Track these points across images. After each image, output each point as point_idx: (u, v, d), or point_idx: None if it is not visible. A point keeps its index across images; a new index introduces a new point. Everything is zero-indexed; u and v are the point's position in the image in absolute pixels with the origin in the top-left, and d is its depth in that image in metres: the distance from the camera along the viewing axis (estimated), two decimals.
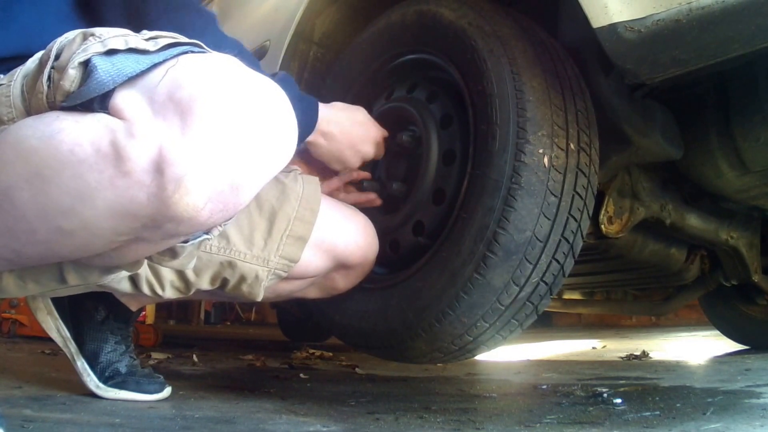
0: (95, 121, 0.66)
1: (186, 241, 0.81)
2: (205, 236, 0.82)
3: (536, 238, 0.99)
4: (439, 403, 1.24)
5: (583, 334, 4.42)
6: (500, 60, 1.05)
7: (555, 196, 1.00)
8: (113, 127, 0.65)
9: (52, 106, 0.70)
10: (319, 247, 1.11)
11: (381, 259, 1.20)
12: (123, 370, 1.20)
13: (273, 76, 0.94)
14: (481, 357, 1.99)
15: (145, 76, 0.68)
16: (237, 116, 0.67)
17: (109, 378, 1.18)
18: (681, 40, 0.86)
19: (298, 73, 1.54)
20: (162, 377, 1.23)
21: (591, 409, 1.12)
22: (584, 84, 1.12)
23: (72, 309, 1.21)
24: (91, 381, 1.18)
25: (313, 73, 1.55)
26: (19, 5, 0.87)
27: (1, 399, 1.14)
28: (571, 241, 1.03)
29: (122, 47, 0.70)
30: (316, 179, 1.13)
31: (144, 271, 0.98)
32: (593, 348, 3.14)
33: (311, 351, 2.33)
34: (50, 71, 0.70)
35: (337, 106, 1.19)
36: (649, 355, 2.33)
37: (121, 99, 0.67)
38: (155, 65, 0.69)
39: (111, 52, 0.70)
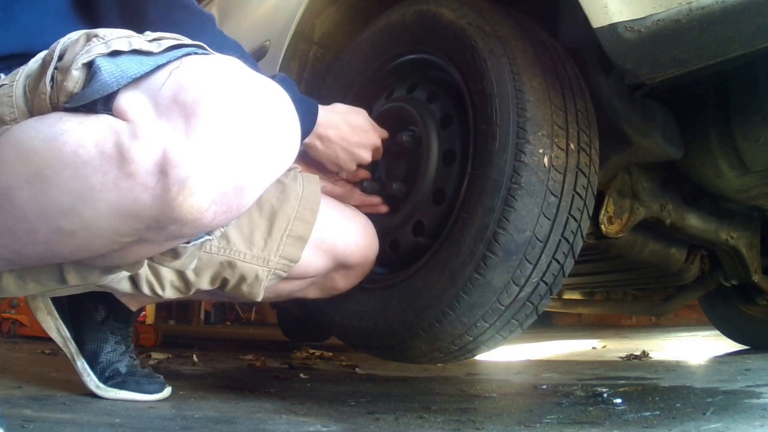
0: (99, 122, 0.66)
1: (188, 242, 0.81)
2: (207, 237, 0.82)
3: (536, 238, 0.99)
4: (439, 403, 1.24)
5: (583, 334, 4.42)
6: (500, 60, 1.05)
7: (555, 196, 1.00)
8: (117, 129, 0.65)
9: (55, 107, 0.70)
10: (319, 247, 1.11)
11: (381, 259, 1.20)
12: (123, 370, 1.20)
13: (272, 77, 0.94)
14: (481, 357, 1.99)
15: (149, 78, 0.68)
16: (240, 118, 0.67)
17: (109, 378, 1.18)
18: (681, 40, 0.86)
19: (298, 73, 1.54)
20: (162, 377, 1.23)
21: (591, 409, 1.12)
22: (584, 84, 1.12)
23: (72, 309, 1.21)
24: (91, 381, 1.18)
25: (313, 73, 1.55)
26: (19, 5, 0.87)
27: (1, 399, 1.14)
28: (571, 241, 1.03)
29: (126, 48, 0.70)
30: (316, 178, 1.13)
31: (144, 271, 0.98)
32: (593, 348, 3.14)
33: (311, 351, 2.33)
34: (53, 72, 0.70)
35: (337, 108, 1.19)
36: (649, 355, 2.33)
37: (125, 100, 0.67)
38: (159, 67, 0.69)
39: (114, 54, 0.70)
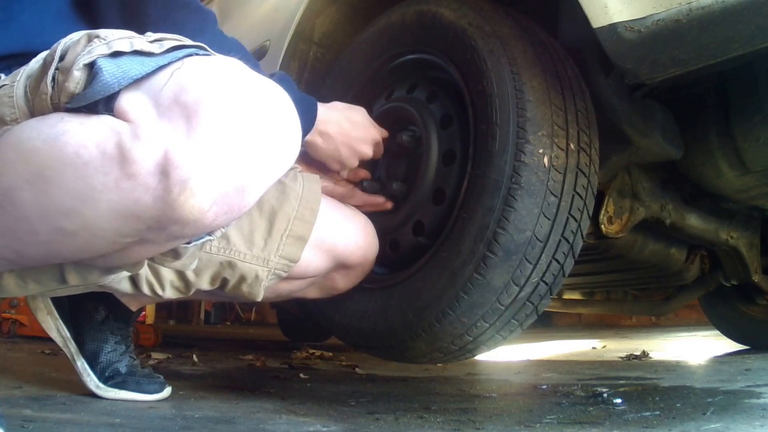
0: (100, 123, 0.66)
1: (189, 243, 0.81)
2: (208, 237, 0.82)
3: (536, 238, 0.99)
4: (439, 403, 1.24)
5: (583, 334, 4.42)
6: (500, 60, 1.05)
7: (555, 196, 1.00)
8: (119, 130, 0.65)
9: (56, 108, 0.70)
10: (319, 247, 1.11)
11: (381, 259, 1.20)
12: (123, 370, 1.20)
13: (271, 76, 0.94)
14: (481, 357, 1.99)
15: (151, 79, 0.68)
16: (242, 119, 0.67)
17: (109, 378, 1.18)
18: (681, 40, 0.86)
19: (298, 73, 1.54)
20: (162, 377, 1.23)
21: (591, 409, 1.12)
22: (584, 84, 1.12)
23: (72, 309, 1.21)
24: (91, 381, 1.18)
25: (313, 73, 1.55)
26: (19, 5, 0.87)
27: (1, 399, 1.14)
28: (571, 241, 1.03)
29: (127, 49, 0.70)
30: (316, 178, 1.13)
31: (144, 271, 0.98)
32: (593, 348, 3.14)
33: (311, 351, 2.33)
34: (54, 72, 0.70)
35: (336, 106, 1.19)
36: (649, 355, 2.33)
37: (127, 101, 0.67)
38: (160, 68, 0.69)
39: (116, 54, 0.70)
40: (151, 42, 0.72)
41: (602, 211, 1.35)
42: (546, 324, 5.42)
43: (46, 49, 0.75)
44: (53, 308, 1.19)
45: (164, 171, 0.64)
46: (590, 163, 1.05)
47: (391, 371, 1.87)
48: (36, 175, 0.66)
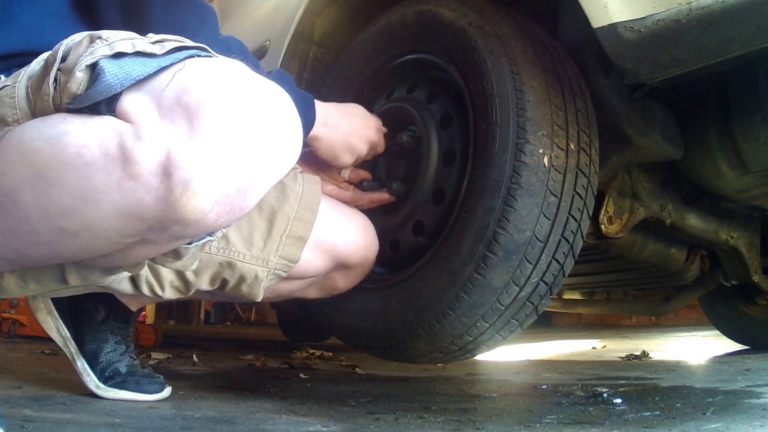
0: (103, 123, 0.66)
1: (190, 243, 0.81)
2: (209, 238, 0.82)
3: (536, 238, 0.99)
4: (439, 403, 1.24)
5: (583, 334, 4.42)
6: (500, 60, 1.05)
7: (555, 196, 1.00)
8: (121, 130, 0.65)
9: (58, 108, 0.70)
10: (319, 247, 1.11)
11: (381, 259, 1.20)
12: (123, 370, 1.20)
13: (269, 73, 0.94)
14: (481, 357, 1.99)
15: (153, 80, 0.68)
16: (244, 120, 0.67)
17: (109, 378, 1.18)
18: (681, 40, 0.86)
19: (298, 73, 1.54)
20: (162, 377, 1.23)
21: (591, 409, 1.12)
22: (584, 84, 1.12)
23: (72, 309, 1.21)
24: (91, 381, 1.18)
25: (313, 73, 1.55)
26: (18, 5, 0.87)
27: (1, 399, 1.14)
28: (571, 241, 1.03)
29: (129, 50, 0.70)
30: (316, 178, 1.13)
31: (144, 271, 0.98)
32: (593, 348, 3.14)
33: (311, 351, 2.33)
34: (56, 73, 0.70)
35: (333, 103, 1.18)
36: (649, 355, 2.33)
37: (129, 102, 0.67)
38: (162, 69, 0.69)
39: (118, 55, 0.70)
40: (153, 43, 0.72)
41: (602, 211, 1.35)
42: (546, 324, 5.42)
43: (46, 50, 0.75)
44: (53, 308, 1.19)
45: (166, 171, 0.64)
46: (590, 163, 1.06)
47: (391, 371, 1.87)
48: (38, 175, 0.66)
